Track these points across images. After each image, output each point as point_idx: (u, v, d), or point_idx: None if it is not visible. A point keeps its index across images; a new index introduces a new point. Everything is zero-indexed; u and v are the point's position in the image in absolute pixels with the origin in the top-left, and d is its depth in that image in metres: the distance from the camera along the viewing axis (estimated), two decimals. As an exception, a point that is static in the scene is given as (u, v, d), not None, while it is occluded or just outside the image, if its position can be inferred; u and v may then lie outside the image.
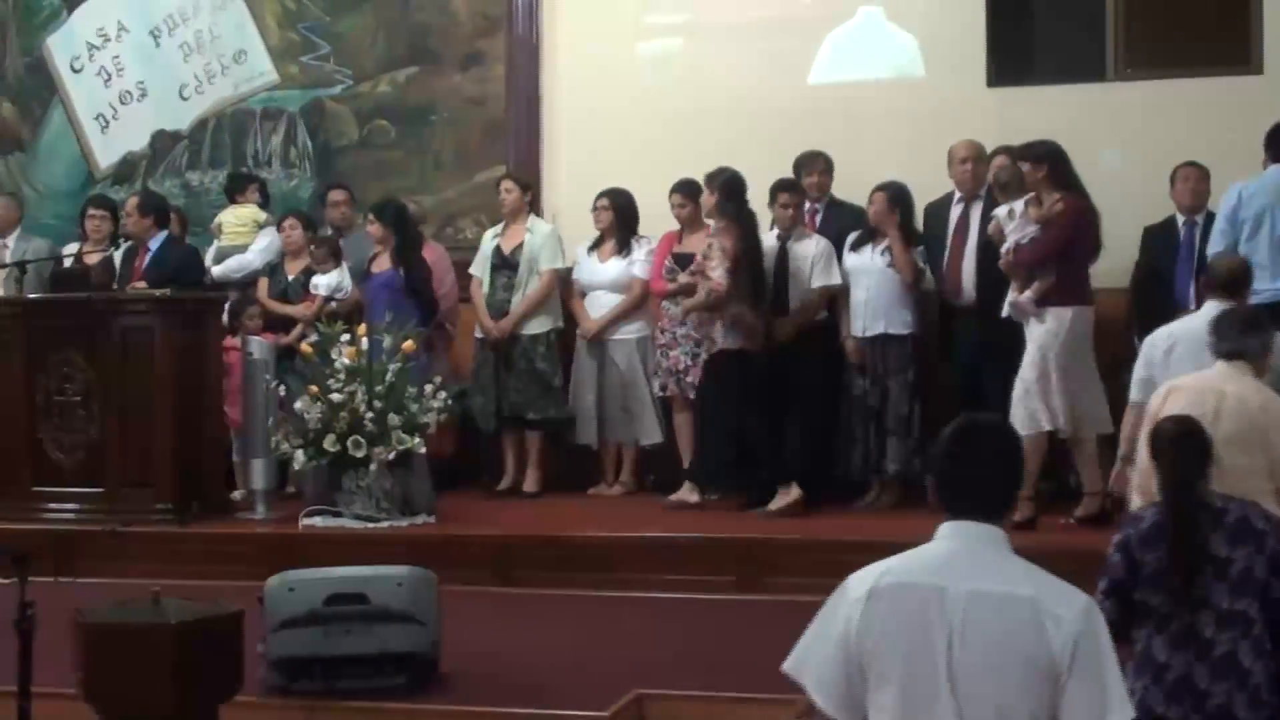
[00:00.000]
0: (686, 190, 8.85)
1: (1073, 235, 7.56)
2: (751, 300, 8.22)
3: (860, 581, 3.23)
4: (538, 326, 9.12)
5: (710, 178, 8.48)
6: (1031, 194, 7.65)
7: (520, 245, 9.17)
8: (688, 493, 8.41)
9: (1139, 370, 6.21)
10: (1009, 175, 7.94)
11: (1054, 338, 7.48)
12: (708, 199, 8.49)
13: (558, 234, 9.24)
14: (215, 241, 9.75)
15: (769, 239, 8.62)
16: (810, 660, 3.26)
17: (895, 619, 3.16)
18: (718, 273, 8.15)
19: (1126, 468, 5.81)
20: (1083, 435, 7.59)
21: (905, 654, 3.14)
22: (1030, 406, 7.41)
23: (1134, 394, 6.13)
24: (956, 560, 3.19)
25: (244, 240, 9.72)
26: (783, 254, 8.55)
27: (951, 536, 3.24)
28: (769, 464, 8.20)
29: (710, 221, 8.54)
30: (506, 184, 9.31)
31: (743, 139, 9.35)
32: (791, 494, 8.05)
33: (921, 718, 3.11)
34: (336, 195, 9.91)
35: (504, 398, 9.08)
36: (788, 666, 3.28)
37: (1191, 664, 4.12)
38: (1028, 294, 7.56)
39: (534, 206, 9.44)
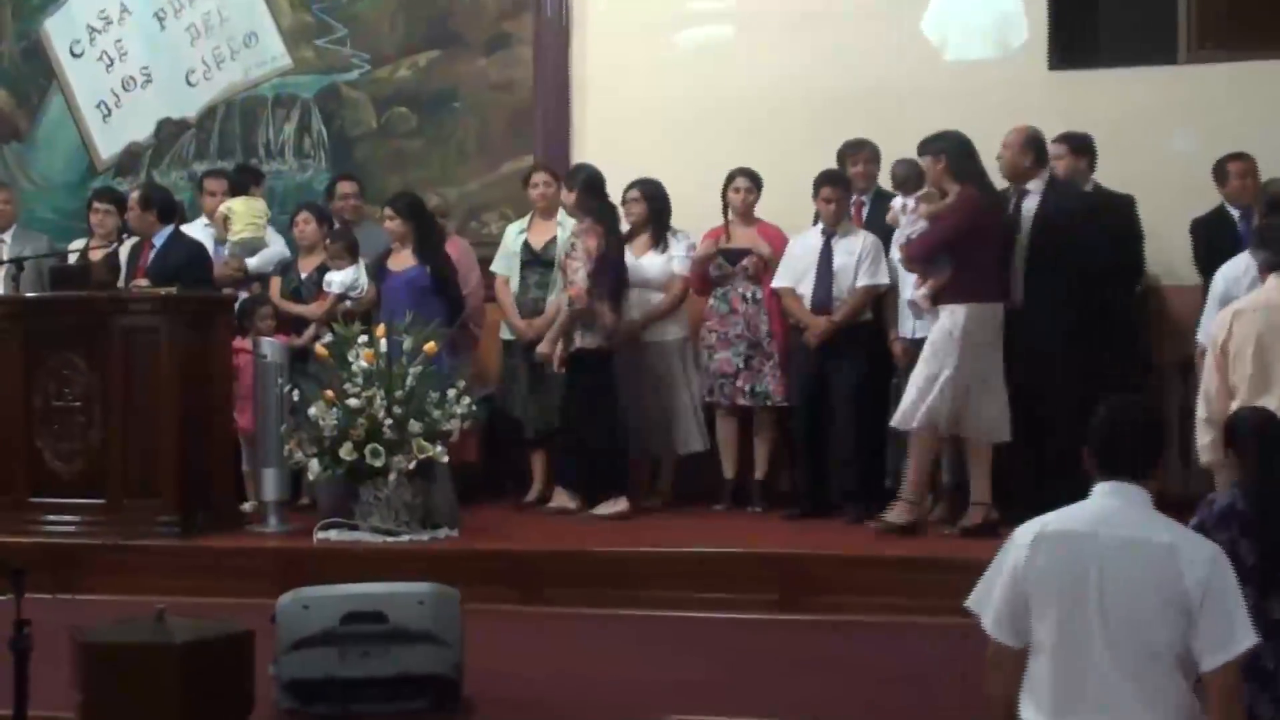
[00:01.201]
0: (753, 177, 8.91)
1: (961, 229, 7.77)
2: (612, 299, 8.56)
3: (1026, 530, 4.03)
4: None
5: (570, 175, 8.87)
6: (926, 189, 7.98)
7: (552, 240, 9.18)
8: (566, 499, 8.72)
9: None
10: (906, 171, 8.29)
11: (947, 336, 7.72)
12: (567, 196, 8.78)
13: None
14: (227, 236, 9.70)
15: (813, 234, 8.61)
16: (985, 597, 4.09)
17: (1055, 560, 3.96)
18: (580, 275, 8.49)
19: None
20: (977, 442, 7.81)
21: (1062, 590, 3.94)
22: (912, 402, 7.73)
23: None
24: (1109, 512, 3.99)
25: (258, 234, 9.74)
26: (826, 250, 8.54)
27: (1107, 494, 4.02)
28: (605, 468, 8.57)
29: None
30: (541, 176, 9.33)
31: (785, 128, 9.36)
32: (618, 505, 8.52)
33: (1076, 643, 3.91)
34: (345, 187, 9.95)
35: (536, 405, 9.12)
36: (969, 602, 4.13)
37: (1261, 646, 4.20)
38: (921, 290, 7.89)
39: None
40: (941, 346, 7.73)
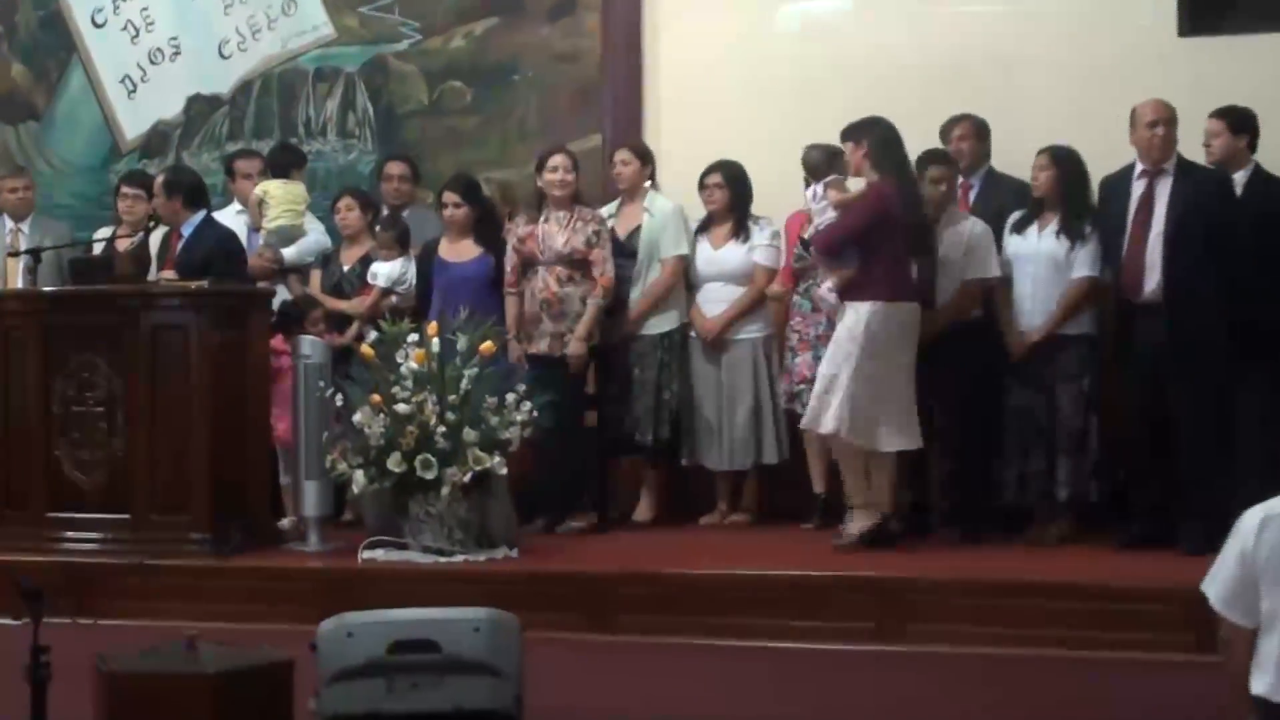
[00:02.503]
0: (839, 153, 8.85)
1: (866, 222, 8.02)
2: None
3: (1253, 514, 4.47)
4: (661, 325, 9.15)
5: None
6: (834, 175, 8.36)
7: (638, 228, 9.19)
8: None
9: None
10: (818, 157, 8.57)
11: (848, 333, 7.98)
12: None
13: (682, 213, 9.21)
14: (262, 223, 9.74)
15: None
16: (1215, 578, 4.53)
17: None
18: (608, 266, 8.83)
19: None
20: (877, 448, 7.99)
21: None
22: (817, 399, 8.05)
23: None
24: None
25: (296, 221, 9.77)
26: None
27: None
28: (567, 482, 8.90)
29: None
30: (623, 155, 9.31)
31: (883, 103, 9.27)
32: (582, 521, 8.87)
33: None
34: (395, 167, 9.98)
35: (614, 413, 9.15)
36: (1203, 585, 4.56)
37: None
38: (826, 284, 8.29)
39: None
40: (843, 346, 7.99)
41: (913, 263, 8.18)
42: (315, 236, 9.78)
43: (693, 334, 9.20)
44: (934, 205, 8.47)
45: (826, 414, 7.97)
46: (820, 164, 8.55)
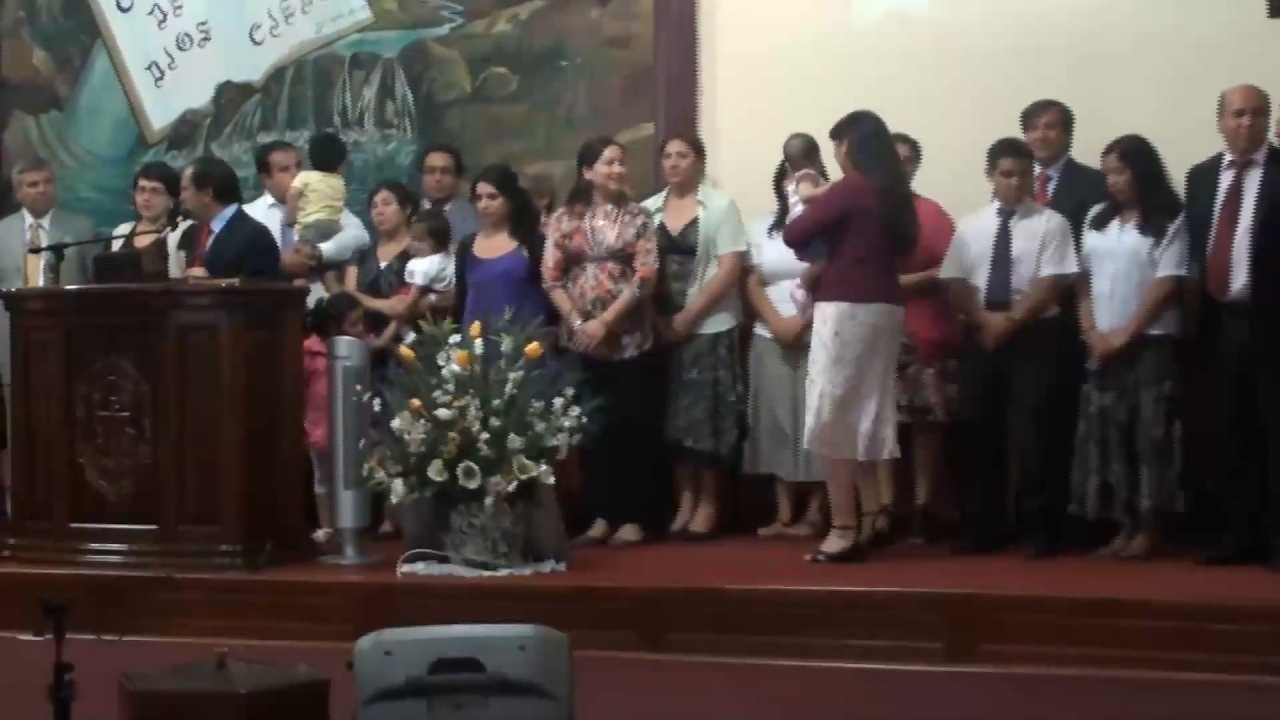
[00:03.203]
0: (908, 143, 8.91)
1: (832, 215, 8.22)
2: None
3: None
4: (719, 324, 9.18)
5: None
6: (806, 170, 8.64)
7: (693, 223, 9.21)
8: (631, 532, 9.00)
9: None
10: (798, 147, 8.84)
11: (818, 337, 8.21)
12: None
13: (738, 208, 9.24)
14: (299, 217, 9.76)
15: (987, 215, 8.56)
16: None
17: None
18: (651, 258, 8.94)
19: None
20: (853, 458, 8.21)
21: None
22: (809, 419, 8.23)
23: None
24: None
25: (334, 216, 9.80)
26: (1004, 233, 8.48)
27: None
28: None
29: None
30: (679, 147, 9.31)
31: (952, 89, 9.32)
32: (635, 533, 8.96)
33: None
34: (436, 159, 9.99)
35: (669, 417, 9.15)
36: None
37: None
38: (795, 281, 8.65)
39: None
40: (816, 352, 8.22)
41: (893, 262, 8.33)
42: (353, 232, 9.81)
43: (761, 333, 9.19)
44: (1007, 199, 8.46)
45: (807, 428, 8.26)
46: (798, 155, 8.78)
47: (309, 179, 9.73)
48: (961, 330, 8.70)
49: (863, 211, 8.14)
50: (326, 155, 9.89)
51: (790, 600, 7.54)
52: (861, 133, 8.26)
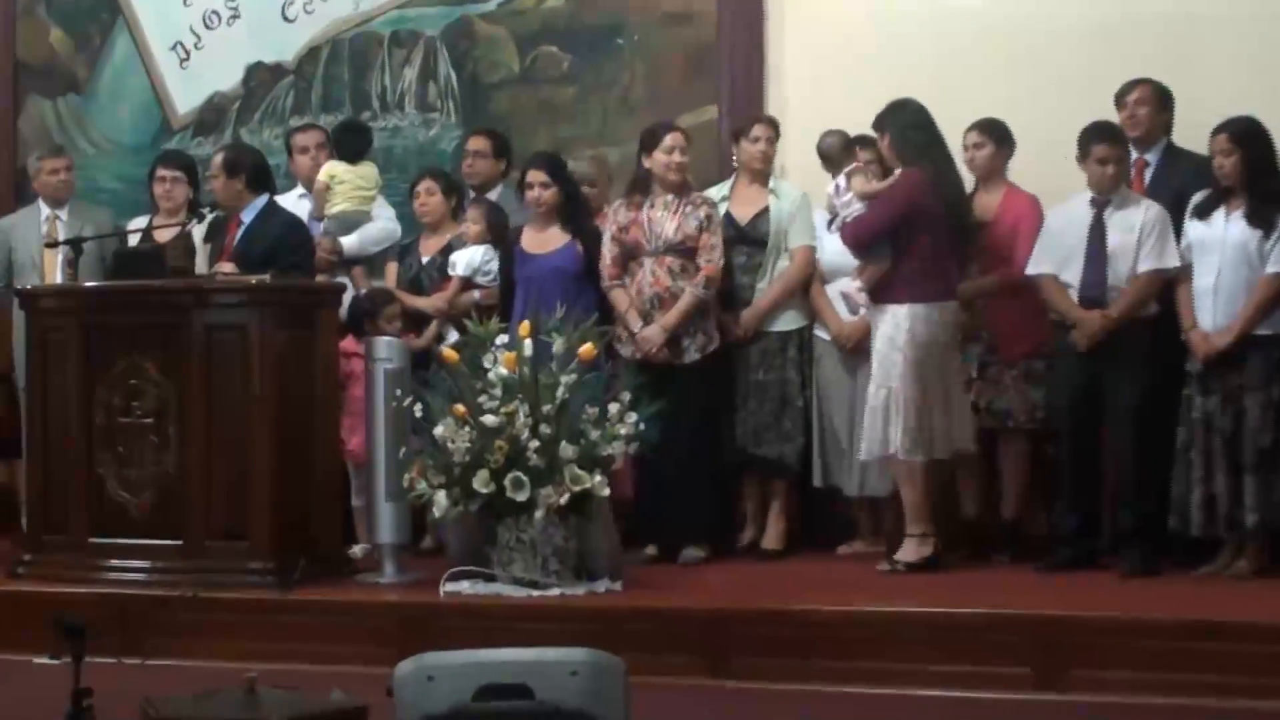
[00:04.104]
0: (989, 131, 8.89)
1: (898, 213, 8.37)
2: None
3: None
4: (788, 322, 9.20)
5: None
6: (856, 164, 8.71)
7: (763, 213, 9.22)
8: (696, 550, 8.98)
9: None
10: (834, 144, 8.98)
11: (888, 342, 8.36)
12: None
13: (809, 200, 9.25)
14: (326, 210, 9.82)
15: (1079, 205, 8.55)
16: None
17: None
18: (716, 254, 8.95)
19: None
20: (916, 459, 8.36)
21: None
22: (875, 428, 8.35)
23: None
24: None
25: (367, 207, 9.84)
26: (1098, 225, 8.46)
27: None
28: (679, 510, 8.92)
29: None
30: (767, 131, 9.31)
31: (1037, 70, 9.32)
32: (696, 553, 8.92)
33: None
34: (475, 143, 10.01)
35: (735, 423, 9.16)
36: None
37: None
38: (856, 283, 8.63)
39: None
40: (887, 358, 8.35)
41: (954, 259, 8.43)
42: (382, 224, 9.84)
43: (820, 335, 9.19)
44: (1101, 188, 8.44)
45: (883, 434, 8.31)
46: (836, 153, 8.84)
47: (335, 169, 9.78)
48: (1052, 330, 8.66)
49: (926, 206, 8.27)
50: (352, 144, 9.94)
51: (865, 622, 7.53)
52: (903, 123, 8.40)
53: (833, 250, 9.07)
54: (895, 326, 8.30)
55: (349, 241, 9.73)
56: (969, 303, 8.75)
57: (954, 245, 8.43)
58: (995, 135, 8.92)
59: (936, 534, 8.45)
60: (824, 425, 9.18)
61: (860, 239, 8.49)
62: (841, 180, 8.68)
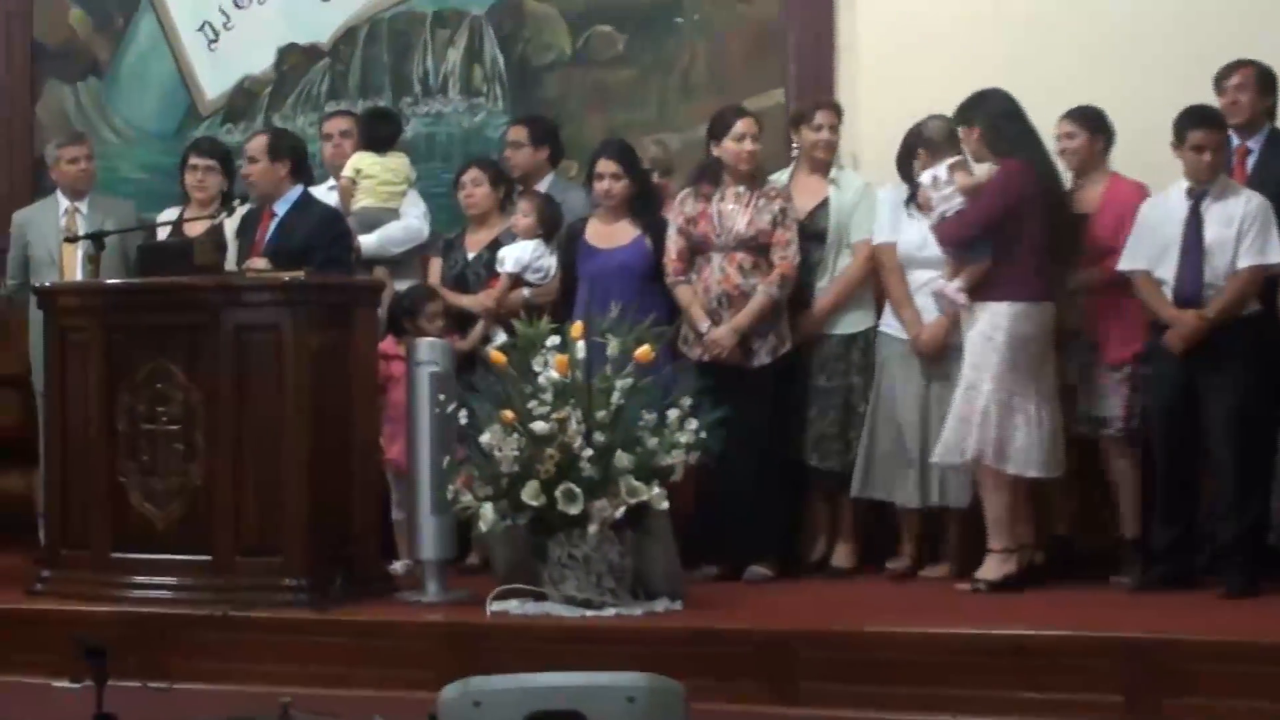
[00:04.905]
0: (1082, 119, 8.85)
1: (1005, 208, 8.44)
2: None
3: None
4: (853, 324, 9.19)
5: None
6: (959, 156, 8.69)
7: (824, 204, 9.22)
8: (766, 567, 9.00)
9: None
10: (940, 131, 8.85)
11: (986, 342, 8.42)
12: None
13: (873, 190, 9.25)
14: (352, 203, 9.85)
15: (1175, 196, 8.53)
16: None
17: None
18: (791, 250, 8.96)
19: None
20: (1021, 474, 8.43)
21: None
22: (953, 429, 8.45)
23: None
24: None
25: (395, 204, 9.88)
26: (1195, 218, 8.44)
27: None
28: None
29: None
30: (829, 118, 9.32)
31: (1127, 51, 9.29)
32: (761, 571, 8.96)
33: None
34: (515, 133, 10.03)
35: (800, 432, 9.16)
36: None
37: None
38: (955, 282, 8.58)
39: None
40: (981, 357, 8.43)
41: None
42: (408, 222, 9.86)
43: (891, 333, 9.13)
44: (1198, 177, 8.41)
45: (969, 441, 8.36)
46: (942, 139, 8.76)
47: (361, 163, 9.84)
48: (1148, 331, 8.64)
49: (1028, 201, 8.32)
50: (379, 133, 9.99)
51: (942, 645, 7.52)
52: (992, 113, 8.47)
53: (913, 242, 9.04)
54: (994, 325, 8.35)
55: (368, 241, 9.73)
56: (1071, 301, 8.72)
57: (1054, 241, 8.45)
58: (1089, 124, 8.86)
59: (1020, 550, 8.46)
60: (878, 431, 9.09)
61: (963, 235, 8.52)
62: (942, 171, 8.65)
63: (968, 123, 8.56)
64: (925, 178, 8.71)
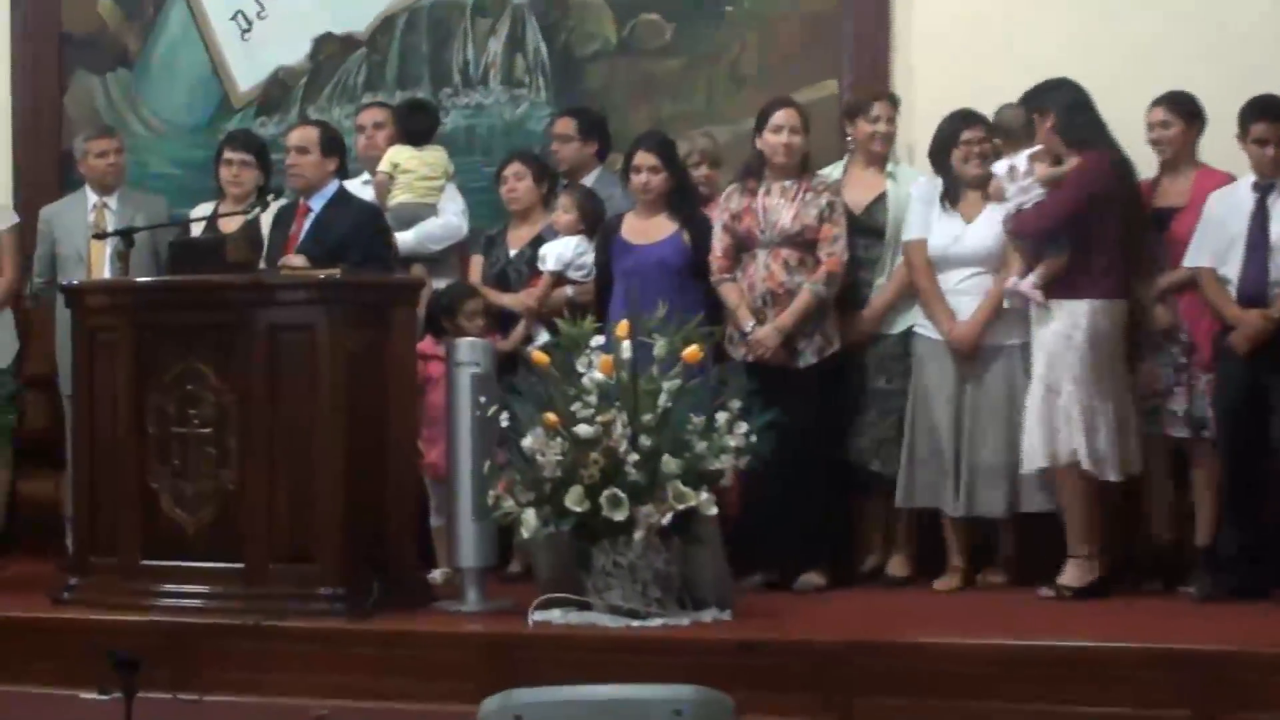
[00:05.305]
0: (1178, 106, 8.82)
1: (1087, 200, 8.45)
2: None
3: None
4: (911, 321, 9.17)
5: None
6: (1037, 146, 8.65)
7: (880, 199, 9.23)
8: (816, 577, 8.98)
9: None
10: (1013, 119, 8.85)
11: (1064, 341, 8.46)
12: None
13: (928, 184, 9.21)
14: (389, 198, 9.86)
15: (1241, 190, 8.51)
16: None
17: None
18: (839, 246, 8.93)
19: None
20: (1107, 477, 8.47)
21: None
22: (1042, 435, 8.45)
23: None
24: None
25: (433, 199, 9.90)
26: (1260, 213, 8.43)
27: None
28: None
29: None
30: (883, 109, 9.33)
31: (1194, 37, 9.27)
32: (813, 580, 8.94)
33: None
34: (558, 126, 10.05)
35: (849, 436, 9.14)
36: None
37: None
38: (1029, 278, 8.56)
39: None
40: (1059, 356, 8.45)
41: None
42: (447, 218, 9.87)
43: (926, 333, 9.09)
44: (1263, 170, 8.40)
45: (1060, 443, 8.37)
46: (1019, 128, 8.74)
47: (397, 158, 9.86)
48: (1215, 331, 8.61)
49: (1108, 194, 8.35)
50: (416, 125, 10.00)
51: (1003, 657, 7.50)
52: (1066, 102, 8.47)
53: (950, 235, 9.00)
54: (1073, 324, 8.37)
55: (405, 238, 9.71)
56: (1162, 300, 8.70)
57: (1131, 237, 8.47)
58: (1184, 111, 8.81)
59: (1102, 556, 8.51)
60: (925, 437, 9.06)
61: (1043, 227, 8.51)
62: (1020, 161, 8.62)
63: (1041, 110, 8.54)
64: (1000, 167, 8.70)
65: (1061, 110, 8.47)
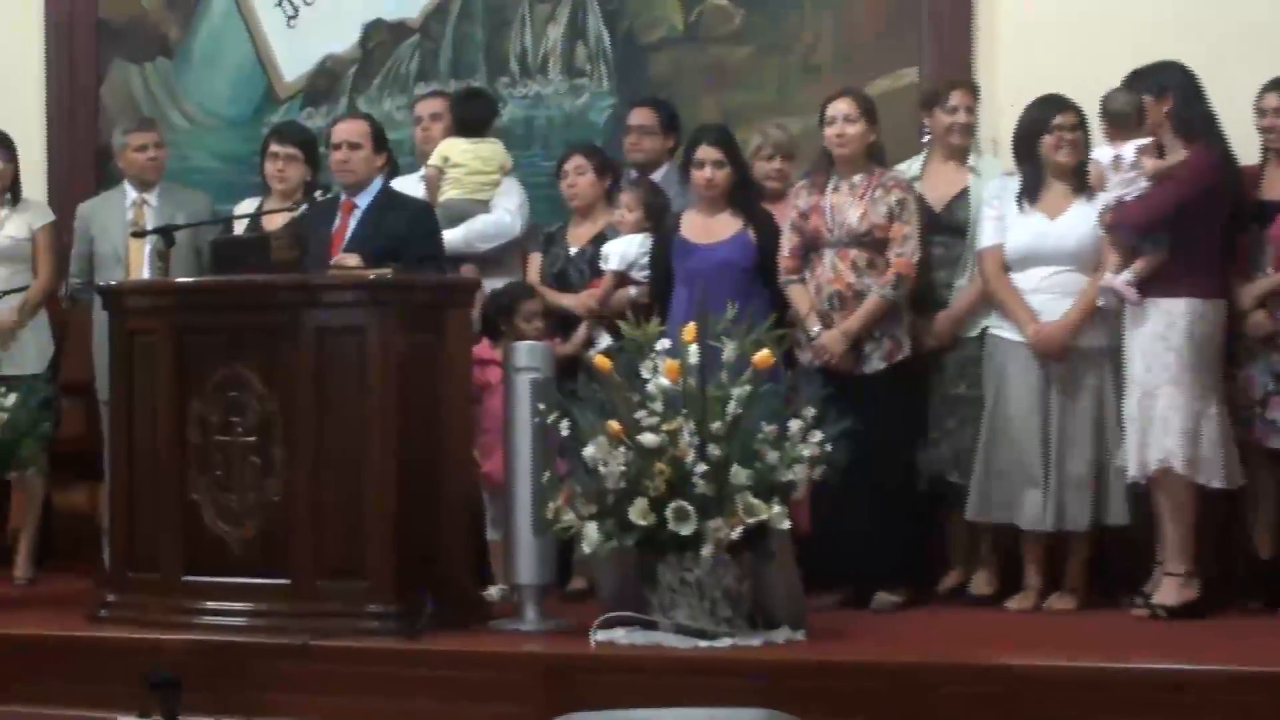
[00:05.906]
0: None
1: (1195, 196, 8.38)
2: None
3: None
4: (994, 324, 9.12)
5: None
6: (1150, 138, 8.57)
7: (962, 195, 9.22)
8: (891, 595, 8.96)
9: None
10: (1125, 104, 8.65)
11: (1160, 342, 8.39)
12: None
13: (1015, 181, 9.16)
14: (439, 194, 9.90)
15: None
16: None
17: None
18: (910, 247, 8.88)
19: None
20: (1209, 484, 8.42)
21: None
22: (1141, 442, 8.41)
23: None
24: None
25: (486, 195, 9.91)
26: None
27: None
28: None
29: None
30: (964, 99, 9.31)
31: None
32: (891, 599, 8.94)
33: None
34: (640, 116, 10.04)
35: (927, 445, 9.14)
36: None
37: None
38: (1125, 274, 8.47)
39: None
40: (1156, 358, 8.40)
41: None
42: (498, 216, 9.87)
43: (1005, 335, 9.02)
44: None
45: (1155, 454, 8.36)
46: (1130, 115, 8.62)
47: (449, 151, 9.88)
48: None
49: (1216, 191, 8.32)
50: (472, 115, 10.00)
51: (1094, 680, 7.47)
52: (1186, 89, 8.41)
53: (1033, 231, 8.94)
54: (1169, 324, 8.32)
55: (452, 237, 9.69)
56: (1262, 304, 8.64)
57: (1231, 235, 8.45)
58: None
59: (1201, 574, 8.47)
60: (1004, 446, 8.98)
61: (1148, 220, 8.43)
62: (1128, 152, 8.53)
63: (1160, 93, 8.50)
64: (1104, 155, 8.63)
65: (1180, 96, 8.44)
